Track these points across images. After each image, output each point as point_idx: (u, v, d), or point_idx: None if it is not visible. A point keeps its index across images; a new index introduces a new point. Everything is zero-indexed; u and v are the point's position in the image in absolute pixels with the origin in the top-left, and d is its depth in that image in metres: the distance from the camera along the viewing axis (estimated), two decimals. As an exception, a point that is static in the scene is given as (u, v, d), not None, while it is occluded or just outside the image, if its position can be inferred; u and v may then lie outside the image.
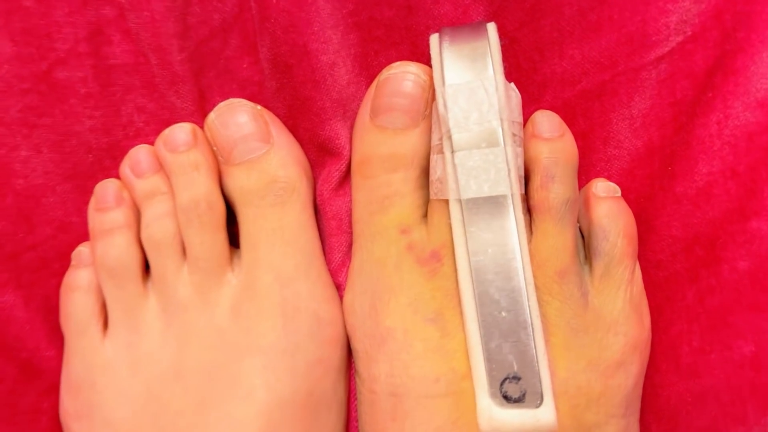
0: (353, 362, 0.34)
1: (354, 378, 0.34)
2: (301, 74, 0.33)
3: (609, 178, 0.34)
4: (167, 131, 0.32)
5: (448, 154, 0.29)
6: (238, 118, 0.32)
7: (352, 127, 0.34)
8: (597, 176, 0.34)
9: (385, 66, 0.33)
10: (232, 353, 0.31)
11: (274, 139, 0.32)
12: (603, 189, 0.32)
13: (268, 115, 0.33)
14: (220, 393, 0.31)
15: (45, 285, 0.34)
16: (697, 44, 0.32)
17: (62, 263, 0.34)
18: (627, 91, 0.33)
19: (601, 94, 0.33)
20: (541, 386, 0.27)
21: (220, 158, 0.33)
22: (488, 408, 0.27)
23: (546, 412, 0.27)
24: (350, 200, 0.34)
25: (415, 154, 0.31)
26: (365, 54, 0.34)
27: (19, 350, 0.34)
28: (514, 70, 0.34)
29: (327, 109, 0.33)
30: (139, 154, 0.33)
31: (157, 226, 0.32)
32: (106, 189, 0.33)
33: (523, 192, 0.30)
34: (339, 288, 0.34)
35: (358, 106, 0.34)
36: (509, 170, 0.28)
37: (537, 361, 0.27)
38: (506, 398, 0.27)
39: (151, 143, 0.33)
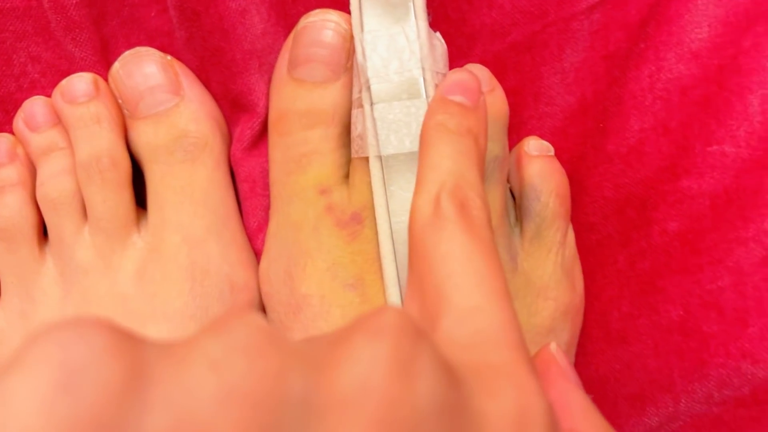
0: None
1: None
2: (209, 22, 0.30)
3: (541, 136, 0.33)
4: (65, 81, 0.30)
5: (367, 107, 0.27)
6: (145, 68, 0.30)
7: (268, 82, 0.31)
8: (528, 134, 0.33)
9: (304, 14, 0.30)
10: (135, 321, 0.29)
11: (184, 92, 0.30)
12: (535, 147, 0.31)
13: (178, 66, 0.31)
14: None
15: None
16: None
17: None
18: (558, 42, 0.32)
19: (531, 47, 0.32)
20: None
21: (125, 111, 0.30)
22: None
23: None
24: (265, 161, 0.32)
25: (336, 110, 0.29)
26: (282, 1, 0.31)
27: None
28: (441, 20, 0.32)
29: (238, 61, 0.31)
30: (34, 106, 0.30)
31: (54, 183, 0.30)
32: None
33: None
34: (257, 254, 0.32)
35: (276, 59, 0.31)
36: (432, 124, 0.26)
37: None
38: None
39: (48, 96, 0.31)
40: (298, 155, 0.29)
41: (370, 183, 0.28)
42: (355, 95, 0.28)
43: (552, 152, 0.31)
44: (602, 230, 0.32)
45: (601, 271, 0.33)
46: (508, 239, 0.29)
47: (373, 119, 0.26)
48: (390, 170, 0.26)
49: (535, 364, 0.21)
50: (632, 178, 0.32)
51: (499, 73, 0.32)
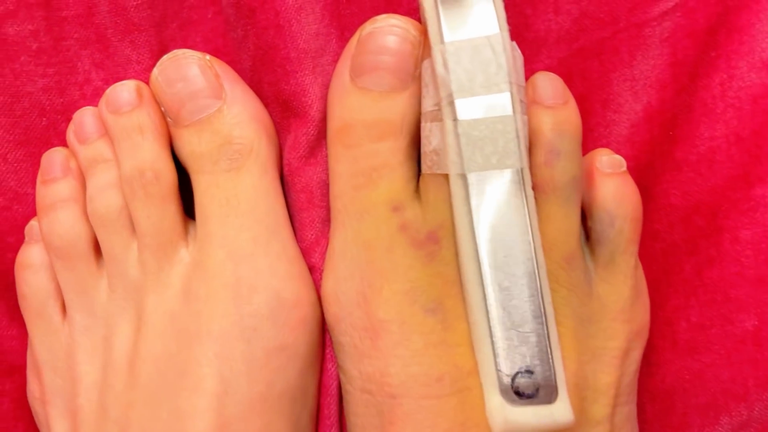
0: (334, 355, 0.30)
1: (330, 372, 0.31)
2: (264, 18, 0.29)
3: (607, 144, 0.32)
4: (110, 90, 0.29)
5: (448, 122, 0.25)
6: (184, 73, 0.29)
7: (322, 85, 0.30)
8: (595, 143, 0.32)
9: (357, 16, 0.30)
10: (182, 341, 0.28)
11: (226, 94, 0.29)
12: (608, 164, 0.29)
13: (219, 66, 0.30)
14: (170, 385, 0.28)
15: (1, 260, 0.32)
16: (698, 0, 0.30)
17: (17, 237, 0.32)
18: (629, 49, 0.31)
19: (600, 53, 0.31)
20: (555, 380, 0.25)
21: (168, 120, 0.29)
22: (501, 406, 0.25)
23: (562, 408, 0.25)
24: (322, 170, 0.31)
25: (404, 121, 0.28)
26: (336, 1, 0.30)
27: (-22, 330, 0.32)
28: (503, 26, 0.31)
29: (292, 60, 0.30)
30: (84, 116, 0.30)
31: (101, 199, 0.29)
32: (52, 158, 0.30)
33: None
34: (312, 270, 0.30)
35: (329, 61, 0.30)
36: (519, 141, 0.25)
37: (551, 353, 0.25)
38: (518, 394, 0.25)
39: None
40: (368, 168, 0.28)
41: (446, 201, 0.27)
42: (428, 108, 0.27)
43: (624, 167, 0.30)
44: (667, 238, 0.32)
45: (666, 279, 0.32)
46: (584, 263, 0.28)
47: (457, 135, 0.25)
48: (474, 189, 0.25)
49: None
50: (701, 186, 0.31)
51: (565, 80, 0.30)
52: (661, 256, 0.32)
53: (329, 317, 0.29)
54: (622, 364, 0.28)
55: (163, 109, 0.29)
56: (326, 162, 0.30)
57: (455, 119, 0.25)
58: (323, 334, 0.31)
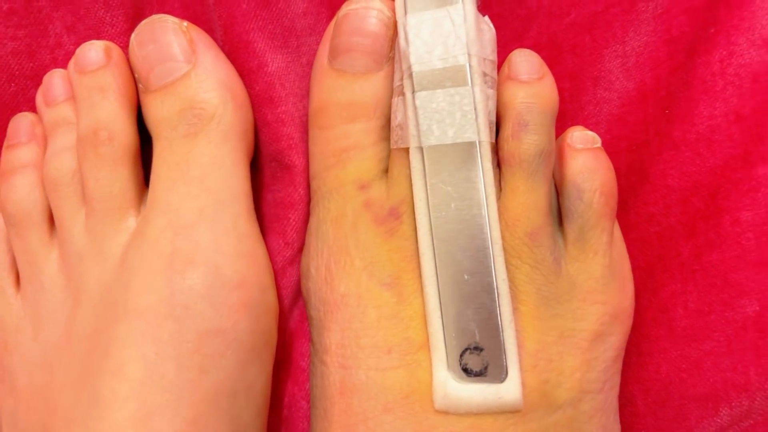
0: (309, 331, 0.30)
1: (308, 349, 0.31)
2: None
3: (598, 123, 0.31)
4: (78, 49, 0.28)
5: (408, 94, 0.25)
6: (157, 36, 0.28)
7: (306, 65, 0.30)
8: (585, 121, 0.31)
9: None
10: (110, 317, 0.26)
11: (197, 58, 0.28)
12: (579, 139, 0.28)
13: (195, 32, 0.29)
14: (96, 366, 0.25)
15: None
16: None
17: None
18: (622, 24, 0.30)
19: (592, 28, 0.30)
20: (505, 359, 0.24)
21: (140, 86, 0.29)
22: (444, 382, 0.24)
23: (510, 388, 0.24)
24: None
25: (378, 102, 0.27)
26: None
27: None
28: (495, 2, 0.30)
29: (277, 35, 0.30)
30: (52, 78, 0.29)
31: (54, 162, 0.28)
32: (18, 123, 0.30)
33: (493, 141, 0.26)
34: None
35: (315, 42, 0.30)
36: (477, 113, 0.25)
37: (502, 331, 0.24)
38: (466, 371, 0.24)
39: None
40: (339, 149, 0.28)
41: (409, 176, 0.26)
42: (396, 83, 0.27)
43: (598, 143, 0.29)
44: (663, 221, 0.31)
45: (661, 264, 0.31)
46: (551, 240, 0.27)
47: (415, 108, 0.25)
48: (431, 162, 0.25)
49: None
50: (700, 167, 0.30)
51: (555, 56, 0.30)
52: (657, 240, 0.31)
53: (304, 292, 0.30)
54: (592, 348, 0.27)
55: (136, 75, 0.28)
56: None
57: (414, 91, 0.25)
58: (276, 325, 0.29)
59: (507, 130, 0.27)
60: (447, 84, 0.25)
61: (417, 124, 0.25)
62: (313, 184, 0.29)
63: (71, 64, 0.29)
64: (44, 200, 0.29)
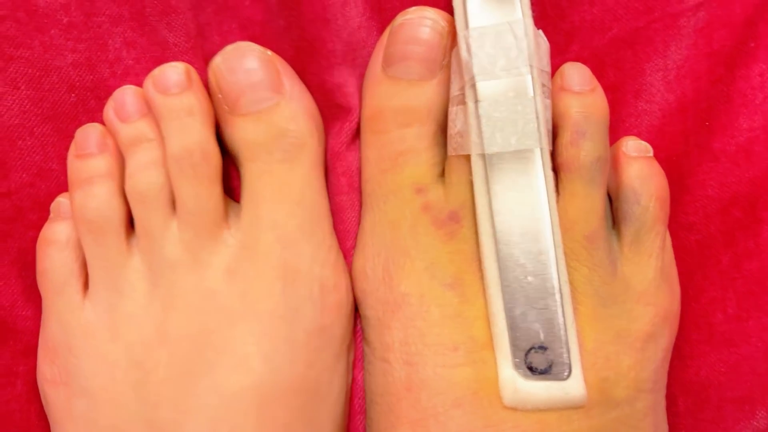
0: (361, 331, 0.31)
1: (361, 348, 0.32)
2: (310, 11, 0.30)
3: (639, 134, 0.32)
4: (157, 70, 0.29)
5: (471, 104, 0.26)
6: (247, 64, 0.29)
7: (360, 78, 0.31)
8: (626, 132, 0.32)
9: (398, 10, 0.30)
10: (224, 318, 0.29)
11: (286, 90, 0.30)
12: (634, 148, 0.30)
13: (280, 63, 0.30)
14: (209, 361, 0.28)
15: (21, 237, 0.31)
16: None
17: (40, 214, 0.31)
18: (663, 39, 0.31)
19: (634, 43, 0.31)
20: (569, 357, 0.25)
21: (224, 107, 0.30)
22: (512, 379, 0.25)
23: (575, 385, 0.25)
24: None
25: (432, 108, 0.29)
26: None
27: (-8, 308, 0.31)
28: (539, 17, 0.31)
29: (338, 53, 0.31)
30: (125, 95, 0.30)
31: (143, 176, 0.29)
32: (88, 134, 0.30)
33: (551, 148, 0.28)
34: (348, 253, 0.32)
35: (368, 54, 0.31)
36: (539, 122, 0.26)
37: (565, 331, 0.25)
38: (531, 369, 0.25)
39: (141, 83, 0.30)
40: (394, 153, 0.29)
41: (468, 182, 0.28)
42: (455, 92, 0.28)
43: (651, 153, 0.30)
44: (703, 230, 0.32)
45: (701, 272, 0.32)
46: (607, 243, 0.28)
47: (478, 116, 0.26)
48: (493, 169, 0.26)
49: None
50: (740, 177, 0.31)
51: (598, 70, 0.31)
52: (697, 248, 0.32)
53: (358, 293, 0.31)
54: (645, 348, 0.28)
55: (220, 96, 0.30)
56: None
57: (477, 101, 0.26)
58: (354, 321, 0.32)
59: (565, 137, 0.28)
60: (510, 94, 0.26)
61: (480, 132, 0.26)
62: (367, 188, 0.30)
63: (149, 83, 0.29)
64: (123, 210, 0.30)
